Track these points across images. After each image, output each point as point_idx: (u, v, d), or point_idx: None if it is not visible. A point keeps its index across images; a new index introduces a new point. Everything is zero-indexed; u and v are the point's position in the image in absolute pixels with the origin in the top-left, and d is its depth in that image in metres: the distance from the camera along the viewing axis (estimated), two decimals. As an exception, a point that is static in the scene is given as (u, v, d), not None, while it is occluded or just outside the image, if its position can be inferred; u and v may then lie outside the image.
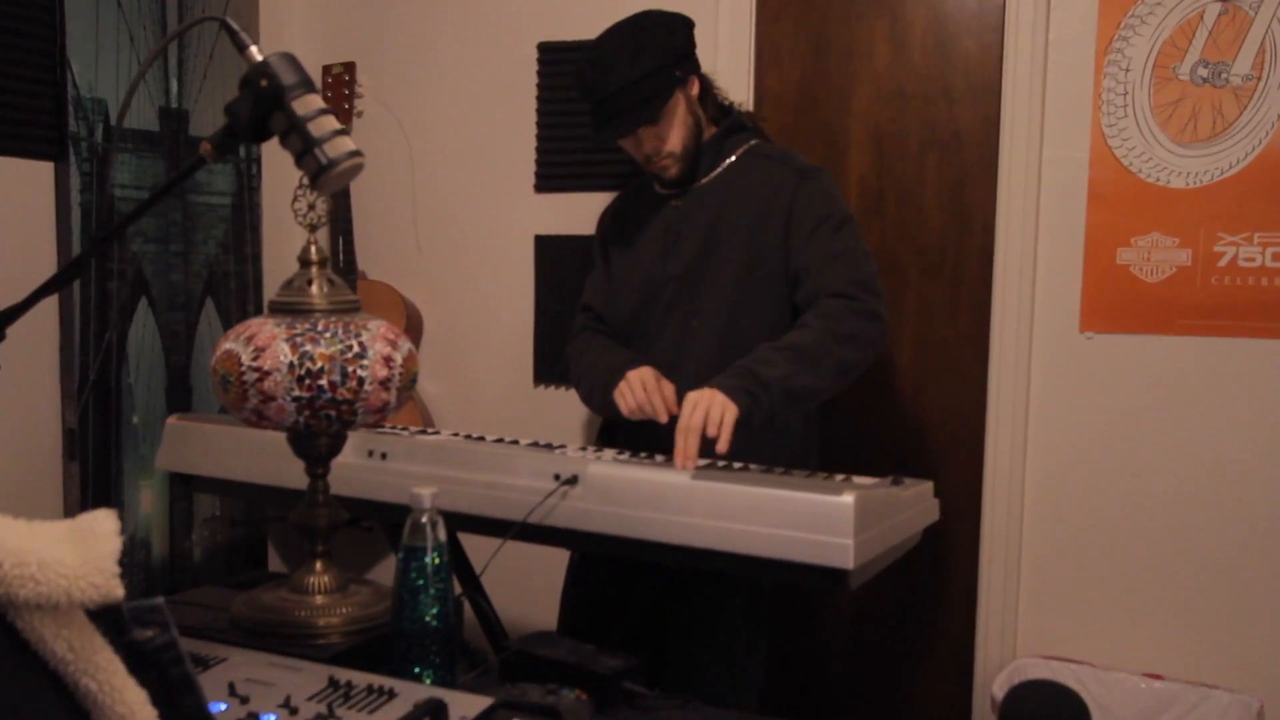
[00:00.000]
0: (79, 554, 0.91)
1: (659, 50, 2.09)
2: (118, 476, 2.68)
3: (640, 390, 2.04)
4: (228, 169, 2.95)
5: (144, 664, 0.91)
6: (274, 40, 3.12)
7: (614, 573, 2.21)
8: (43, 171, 2.53)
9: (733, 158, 2.21)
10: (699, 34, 2.72)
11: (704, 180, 2.21)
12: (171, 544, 2.84)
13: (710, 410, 1.84)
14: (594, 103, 2.13)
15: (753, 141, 2.24)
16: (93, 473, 2.63)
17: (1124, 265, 2.38)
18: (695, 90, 2.20)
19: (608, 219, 2.42)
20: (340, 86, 3.08)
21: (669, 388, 2.05)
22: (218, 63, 2.87)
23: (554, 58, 2.91)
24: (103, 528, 0.94)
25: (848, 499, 1.63)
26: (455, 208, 3.09)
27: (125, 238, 2.65)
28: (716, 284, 2.16)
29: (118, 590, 0.92)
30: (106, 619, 0.92)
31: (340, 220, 3.00)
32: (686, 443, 1.82)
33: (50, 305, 2.54)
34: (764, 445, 2.13)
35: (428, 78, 3.10)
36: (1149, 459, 2.42)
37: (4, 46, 2.41)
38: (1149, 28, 2.32)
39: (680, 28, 2.17)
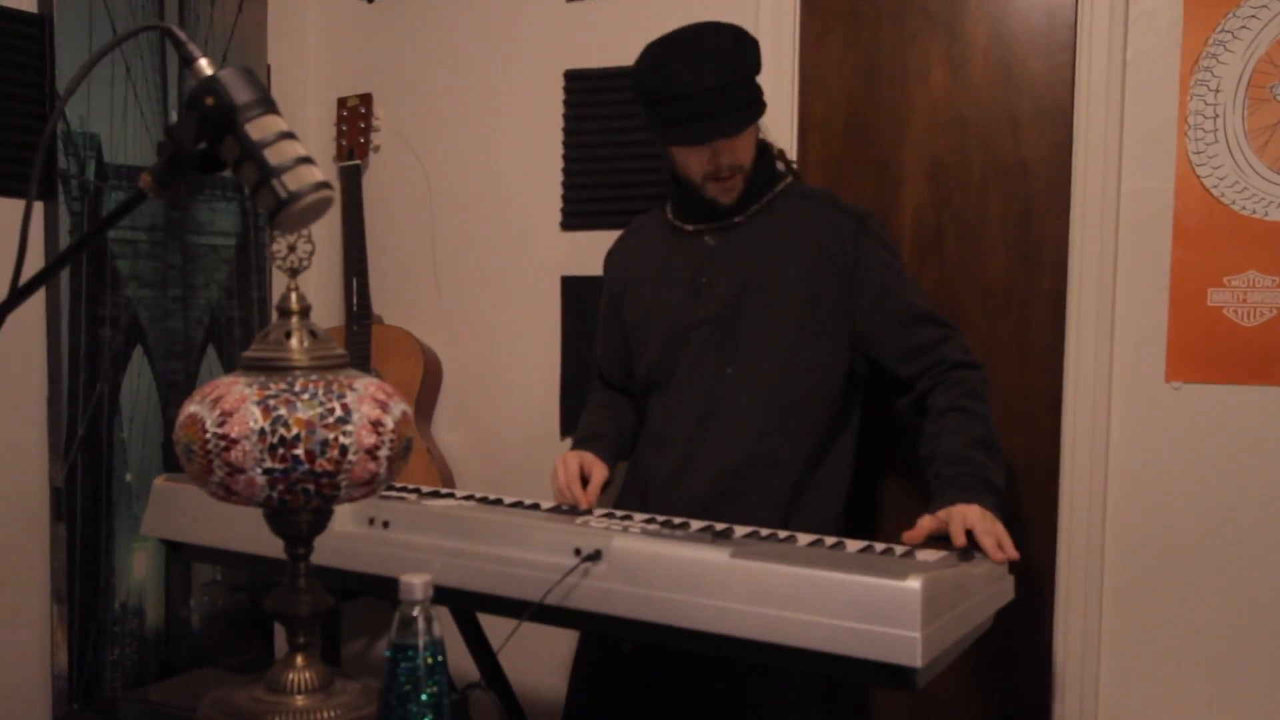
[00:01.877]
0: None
1: (755, 62, 1.96)
2: (108, 539, 2.51)
3: (562, 477, 2.01)
4: (231, 207, 2.79)
5: None
6: (285, 71, 3.00)
7: (629, 660, 1.99)
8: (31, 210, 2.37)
9: (769, 195, 2.06)
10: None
11: (739, 217, 2.05)
12: (168, 611, 2.65)
13: (996, 529, 1.73)
14: (673, 98, 1.91)
15: (788, 179, 2.11)
16: (81, 534, 2.47)
17: (1216, 307, 2.15)
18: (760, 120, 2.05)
19: (618, 262, 2.25)
20: (356, 119, 2.96)
21: (597, 474, 2.02)
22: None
23: (582, 86, 2.75)
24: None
25: (914, 584, 1.41)
26: (477, 247, 2.94)
27: (120, 281, 2.49)
28: (763, 330, 1.98)
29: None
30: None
31: (354, 261, 2.85)
32: (1001, 543, 1.71)
33: (37, 354, 2.41)
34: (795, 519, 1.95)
35: (447, 110, 2.96)
36: (1246, 524, 2.18)
37: (-9, 79, 2.28)
38: (1242, 43, 2.09)
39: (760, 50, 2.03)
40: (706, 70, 1.88)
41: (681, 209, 2.11)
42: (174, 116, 2.61)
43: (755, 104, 1.95)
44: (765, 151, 2.08)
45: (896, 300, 1.99)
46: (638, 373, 2.15)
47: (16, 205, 2.35)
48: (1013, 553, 1.69)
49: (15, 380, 2.38)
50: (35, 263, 2.37)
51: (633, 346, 2.15)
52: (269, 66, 2.92)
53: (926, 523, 1.72)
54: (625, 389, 2.21)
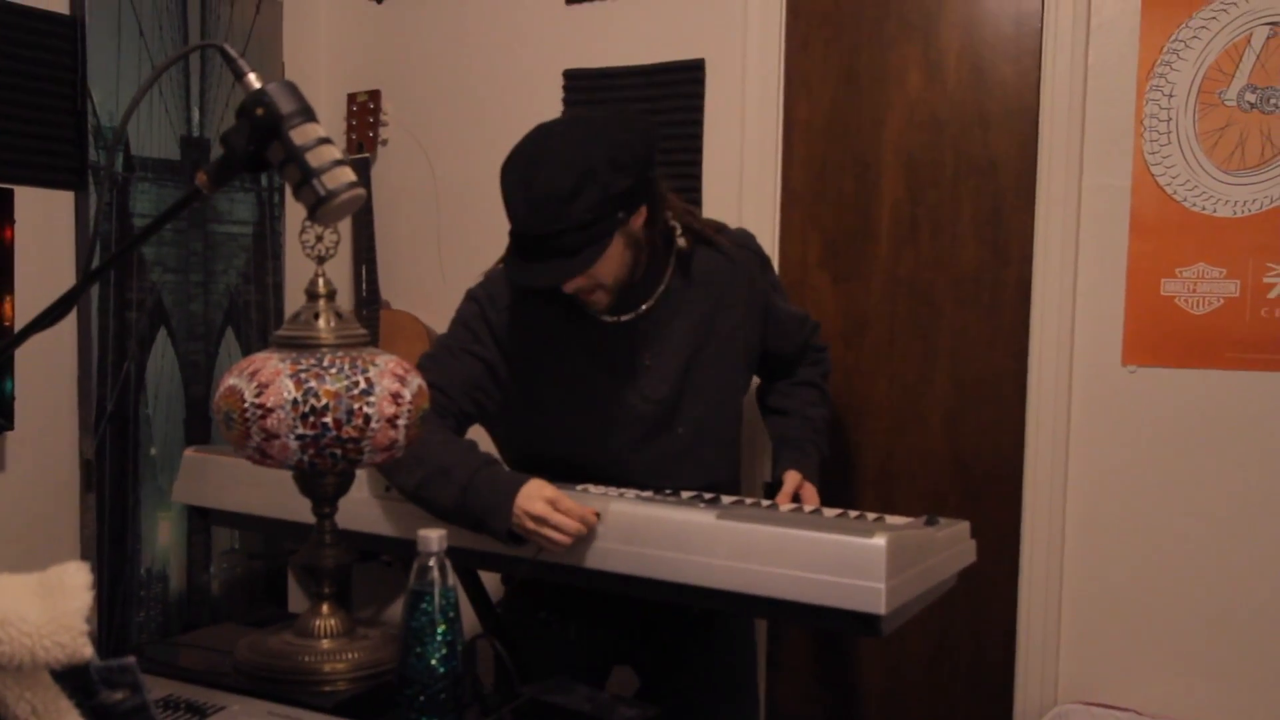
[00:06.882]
0: (45, 610, 0.86)
1: (600, 197, 1.72)
2: (135, 508, 2.65)
3: (575, 510, 1.74)
4: (249, 198, 2.93)
5: (112, 729, 0.85)
6: (298, 68, 3.11)
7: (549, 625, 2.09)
8: (63, 201, 2.52)
9: (670, 267, 1.96)
10: (727, 64, 2.70)
11: (658, 295, 1.95)
12: (189, 577, 2.80)
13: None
14: (513, 231, 1.79)
15: (680, 237, 1.96)
16: (110, 504, 2.60)
17: (1169, 296, 2.30)
18: (641, 220, 1.84)
19: (504, 326, 1.94)
20: (365, 114, 3.07)
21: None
22: (241, 92, 2.85)
23: (579, 85, 2.88)
24: (73, 581, 0.89)
25: (879, 541, 1.57)
26: (481, 236, 3.02)
27: (145, 267, 2.63)
28: (705, 389, 2.00)
29: (85, 649, 0.86)
30: (73, 680, 0.86)
31: (363, 249, 2.98)
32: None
33: (68, 335, 2.54)
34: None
35: (453, 105, 3.07)
36: (1195, 497, 2.32)
37: (26, 76, 2.42)
38: (1193, 52, 2.24)
39: (636, 157, 1.77)
40: (540, 214, 1.73)
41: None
42: (196, 114, 2.75)
43: (591, 245, 1.74)
44: (655, 228, 1.90)
45: (790, 315, 2.15)
46: (540, 442, 2.00)
47: (51, 195, 2.49)
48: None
49: (49, 360, 2.51)
50: (66, 248, 2.52)
51: (530, 416, 1.98)
52: (283, 63, 3.05)
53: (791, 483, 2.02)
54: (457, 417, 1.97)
